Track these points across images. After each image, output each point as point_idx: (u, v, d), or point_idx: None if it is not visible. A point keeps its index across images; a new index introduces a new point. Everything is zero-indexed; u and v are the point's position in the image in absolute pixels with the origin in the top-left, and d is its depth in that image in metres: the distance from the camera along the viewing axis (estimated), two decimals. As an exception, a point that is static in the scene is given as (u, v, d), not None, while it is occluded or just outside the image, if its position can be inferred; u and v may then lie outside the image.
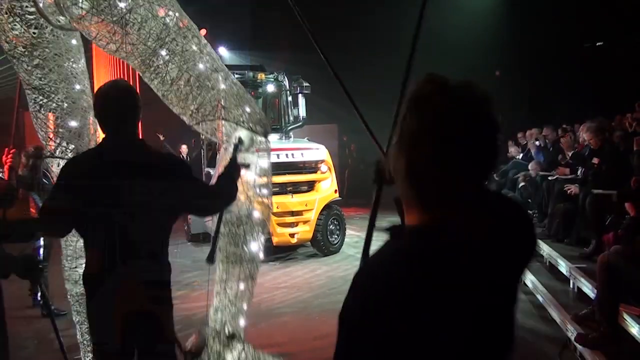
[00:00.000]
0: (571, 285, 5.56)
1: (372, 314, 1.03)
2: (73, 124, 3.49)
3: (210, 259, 3.05)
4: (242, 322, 3.48)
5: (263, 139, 3.41)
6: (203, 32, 4.36)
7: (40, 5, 3.19)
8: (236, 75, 9.12)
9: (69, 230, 2.60)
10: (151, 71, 3.08)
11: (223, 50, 14.66)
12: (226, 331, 3.40)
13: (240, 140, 3.10)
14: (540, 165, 8.61)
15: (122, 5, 2.93)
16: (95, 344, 2.54)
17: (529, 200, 8.47)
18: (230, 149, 3.03)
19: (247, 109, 3.34)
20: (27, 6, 3.22)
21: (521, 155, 9.99)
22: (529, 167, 8.88)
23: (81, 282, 2.66)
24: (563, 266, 5.87)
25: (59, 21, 3.29)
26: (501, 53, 14.89)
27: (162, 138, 11.84)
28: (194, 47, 3.16)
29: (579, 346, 4.26)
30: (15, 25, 3.24)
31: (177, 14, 3.11)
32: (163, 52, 3.05)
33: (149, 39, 3.00)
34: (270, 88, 9.42)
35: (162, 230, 2.52)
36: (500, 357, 1.15)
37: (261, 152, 3.43)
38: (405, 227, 1.22)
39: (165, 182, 2.45)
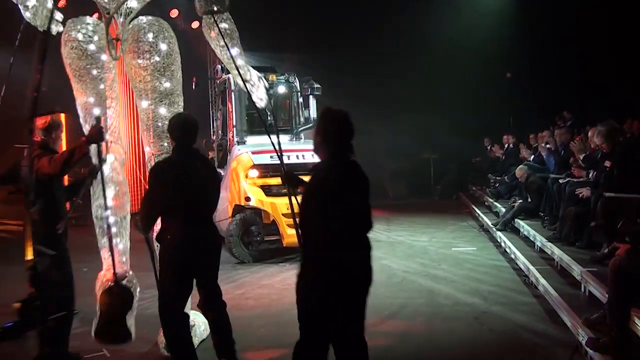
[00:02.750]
0: (582, 289, 5.52)
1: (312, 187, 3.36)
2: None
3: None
4: None
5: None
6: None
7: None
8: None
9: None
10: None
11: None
12: None
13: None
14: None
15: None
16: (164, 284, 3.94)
17: (539, 203, 8.43)
18: None
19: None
20: None
21: (532, 157, 9.93)
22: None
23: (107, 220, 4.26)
24: (574, 270, 5.83)
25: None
26: (512, 54, 14.79)
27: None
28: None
29: (589, 350, 4.23)
30: None
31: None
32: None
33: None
34: (281, 89, 9.42)
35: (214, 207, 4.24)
36: (364, 231, 3.58)
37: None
38: (319, 162, 3.41)
39: (215, 179, 4.24)
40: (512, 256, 7.75)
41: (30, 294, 3.22)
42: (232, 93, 8.74)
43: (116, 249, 4.34)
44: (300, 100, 9.41)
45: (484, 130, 14.73)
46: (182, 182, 3.80)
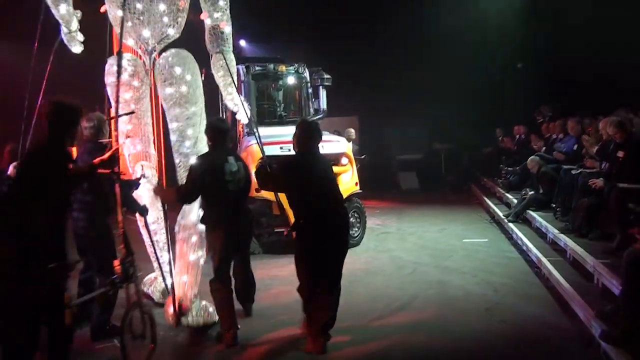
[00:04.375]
0: (595, 281, 5.47)
1: (281, 170, 4.82)
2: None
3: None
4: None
5: None
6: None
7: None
8: (257, 68, 9.16)
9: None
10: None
11: (243, 43, 14.69)
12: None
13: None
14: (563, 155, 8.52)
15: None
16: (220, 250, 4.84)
17: (551, 194, 8.37)
18: None
19: None
20: None
21: (544, 149, 9.83)
22: (554, 155, 8.78)
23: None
24: (587, 262, 5.78)
25: None
26: (524, 44, 14.63)
27: None
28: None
29: (603, 343, 4.19)
30: None
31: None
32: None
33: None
34: (291, 80, 9.38)
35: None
36: (338, 198, 4.80)
37: None
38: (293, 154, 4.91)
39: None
40: (524, 248, 7.71)
41: (124, 255, 4.24)
42: (242, 84, 8.71)
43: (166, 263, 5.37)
44: (310, 91, 9.36)
45: (495, 120, 14.62)
46: (219, 173, 4.80)
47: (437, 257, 7.74)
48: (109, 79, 5.34)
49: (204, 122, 5.36)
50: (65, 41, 5.43)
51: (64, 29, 5.38)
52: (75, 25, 5.44)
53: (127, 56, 5.37)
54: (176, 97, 5.31)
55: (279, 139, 8.00)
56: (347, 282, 6.47)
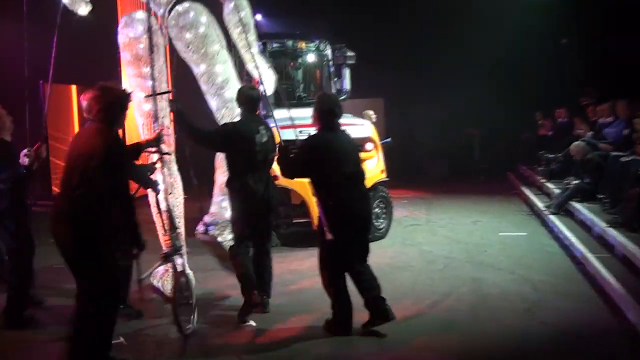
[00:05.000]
0: (648, 280, 5.35)
1: (307, 148, 4.89)
2: None
3: None
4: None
5: None
6: None
7: None
8: (274, 45, 9.10)
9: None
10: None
11: (259, 17, 14.61)
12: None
13: None
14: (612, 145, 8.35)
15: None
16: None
17: (597, 183, 8.23)
18: None
19: None
20: None
21: (590, 134, 9.65)
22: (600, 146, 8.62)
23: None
24: (638, 258, 5.65)
25: None
26: (569, 17, 14.33)
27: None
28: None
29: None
30: None
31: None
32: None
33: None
34: (311, 58, 9.33)
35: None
36: (360, 176, 4.95)
37: None
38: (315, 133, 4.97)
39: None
40: (566, 243, 7.60)
41: (170, 229, 5.08)
42: (258, 62, 8.67)
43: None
44: (332, 70, 9.29)
45: (535, 103, 14.41)
46: (249, 143, 5.19)
47: (470, 251, 7.68)
48: (123, 41, 5.54)
49: (231, 62, 5.85)
50: (69, 5, 5.25)
51: None
52: None
53: (139, 14, 5.57)
54: (197, 40, 5.67)
55: (298, 122, 7.95)
56: (372, 277, 6.51)
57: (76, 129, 13.49)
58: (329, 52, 9.24)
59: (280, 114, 8.52)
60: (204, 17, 5.76)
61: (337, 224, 4.69)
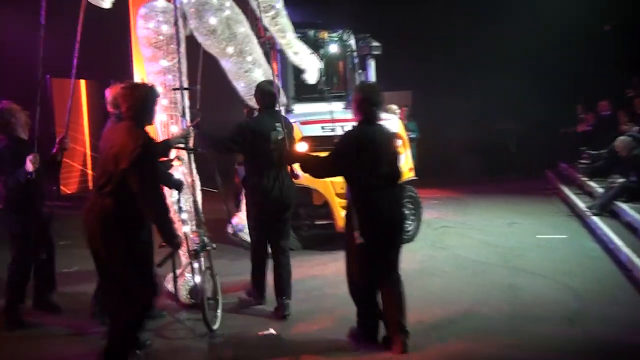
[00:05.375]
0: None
1: (344, 140, 4.74)
2: None
3: None
4: None
5: None
6: None
7: None
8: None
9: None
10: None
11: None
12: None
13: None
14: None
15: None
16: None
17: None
18: None
19: None
20: None
21: (637, 128, 9.53)
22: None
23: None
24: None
25: None
26: (613, 3, 14.15)
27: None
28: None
29: None
30: None
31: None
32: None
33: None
34: (334, 49, 9.31)
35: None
36: (395, 176, 4.78)
37: None
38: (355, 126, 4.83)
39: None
40: (611, 246, 7.51)
41: (197, 226, 5.45)
42: (277, 53, 8.70)
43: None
44: (356, 61, 9.28)
45: (575, 95, 14.25)
46: (264, 140, 5.38)
47: (505, 255, 7.63)
48: (145, 31, 5.74)
49: (257, 44, 6.18)
50: (92, 0, 5.47)
51: None
52: None
53: (160, 3, 5.76)
54: (223, 23, 5.89)
55: (320, 117, 7.95)
56: (399, 283, 6.49)
57: (86, 124, 13.74)
58: (352, 42, 9.24)
59: (303, 108, 8.62)
60: (227, 1, 6.00)
61: (368, 227, 4.57)
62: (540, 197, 11.94)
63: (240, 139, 5.48)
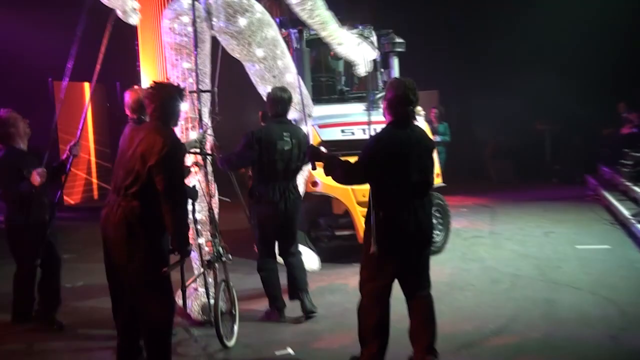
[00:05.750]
0: None
1: (373, 145, 4.53)
2: None
3: None
4: None
5: None
6: None
7: None
8: (312, 32, 9.12)
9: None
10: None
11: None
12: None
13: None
14: None
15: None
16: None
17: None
18: None
19: None
20: None
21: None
22: None
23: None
24: None
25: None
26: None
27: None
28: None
29: None
30: None
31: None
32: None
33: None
34: (354, 46, 9.30)
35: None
36: (425, 187, 4.61)
37: None
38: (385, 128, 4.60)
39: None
40: (659, 257, 7.43)
41: (212, 235, 5.51)
42: (294, 51, 8.71)
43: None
44: (379, 59, 9.26)
45: (618, 94, 14.10)
46: (270, 150, 5.66)
47: (542, 268, 7.58)
48: (169, 32, 6.02)
49: (286, 52, 6.47)
50: (121, 16, 5.78)
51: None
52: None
53: (187, 3, 5.98)
54: (253, 25, 6.16)
55: (340, 120, 7.94)
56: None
57: (90, 128, 13.84)
58: (374, 39, 9.21)
59: (323, 110, 8.61)
60: (257, 5, 6.29)
61: (386, 238, 4.41)
62: (579, 204, 11.90)
63: (253, 145, 5.66)
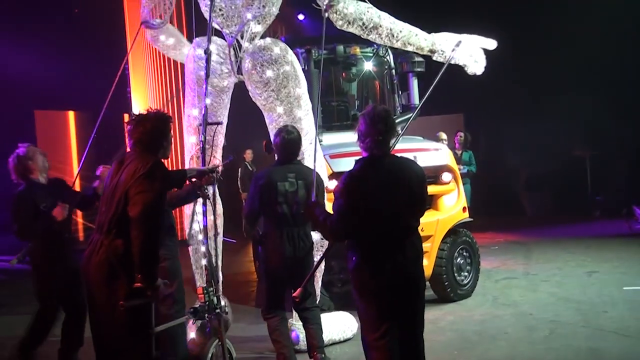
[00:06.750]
0: None
1: (348, 185, 4.34)
2: None
3: None
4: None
5: None
6: None
7: None
8: (323, 51, 9.25)
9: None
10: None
11: (302, 17, 14.89)
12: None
13: None
14: None
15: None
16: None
17: None
18: None
19: None
20: None
21: None
22: None
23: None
24: None
25: None
26: None
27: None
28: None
29: None
30: None
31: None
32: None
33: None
34: (369, 66, 9.44)
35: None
36: (415, 213, 4.47)
37: None
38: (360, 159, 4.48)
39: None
40: None
41: (207, 282, 5.20)
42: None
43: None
44: (396, 80, 9.36)
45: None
46: (272, 193, 5.72)
47: (585, 313, 7.53)
48: (190, 63, 6.60)
49: (309, 109, 6.72)
50: (150, 39, 6.93)
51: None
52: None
53: (216, 40, 6.52)
54: (279, 79, 6.49)
55: (354, 149, 7.97)
56: (454, 350, 6.43)
57: (74, 156, 14.07)
58: (390, 58, 9.33)
59: (334, 138, 8.65)
60: (290, 56, 6.63)
61: (365, 287, 4.34)
62: (626, 240, 11.83)
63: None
